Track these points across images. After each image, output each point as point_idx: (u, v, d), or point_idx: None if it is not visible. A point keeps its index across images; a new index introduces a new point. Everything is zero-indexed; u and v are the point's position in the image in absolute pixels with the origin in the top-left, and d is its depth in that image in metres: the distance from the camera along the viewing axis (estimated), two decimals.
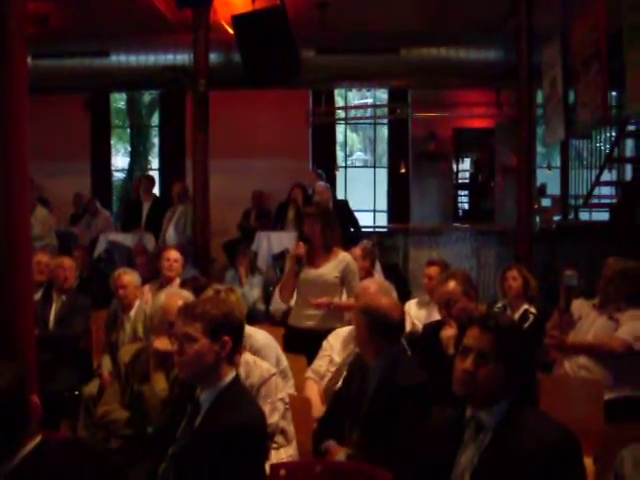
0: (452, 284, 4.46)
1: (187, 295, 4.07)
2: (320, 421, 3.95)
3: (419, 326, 5.60)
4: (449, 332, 4.18)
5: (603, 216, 11.14)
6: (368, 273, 6.68)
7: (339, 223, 5.51)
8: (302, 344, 5.08)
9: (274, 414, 3.67)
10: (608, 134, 10.97)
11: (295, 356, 4.83)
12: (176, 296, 3.98)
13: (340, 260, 5.31)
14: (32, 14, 8.71)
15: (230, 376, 2.87)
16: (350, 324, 4.91)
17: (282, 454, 3.68)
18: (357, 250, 6.99)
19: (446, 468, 2.46)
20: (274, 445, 3.71)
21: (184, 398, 3.04)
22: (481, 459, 2.39)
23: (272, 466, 3.18)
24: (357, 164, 20.23)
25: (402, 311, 3.96)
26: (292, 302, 5.66)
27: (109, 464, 2.48)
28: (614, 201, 11.22)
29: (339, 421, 3.73)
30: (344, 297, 5.38)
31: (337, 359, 4.55)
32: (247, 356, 3.83)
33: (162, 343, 3.78)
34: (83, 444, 2.53)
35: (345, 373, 4.13)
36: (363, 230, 10.39)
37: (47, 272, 6.41)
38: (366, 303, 3.86)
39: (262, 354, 4.15)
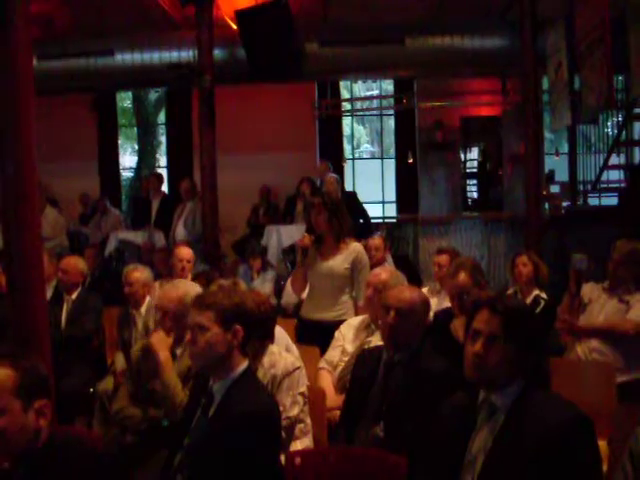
0: (462, 276, 4.48)
1: (188, 288, 4.03)
2: (340, 423, 3.85)
3: (430, 314, 5.59)
4: (461, 321, 4.18)
5: (612, 201, 11.10)
6: (379, 262, 6.70)
7: (348, 213, 5.45)
8: (313, 336, 5.07)
9: (294, 407, 3.66)
10: (615, 118, 10.93)
11: (308, 347, 4.83)
12: (172, 288, 3.99)
13: (351, 251, 5.24)
14: (36, 15, 8.73)
15: (242, 366, 2.88)
16: (359, 315, 4.92)
17: (298, 445, 3.67)
18: (377, 240, 7.02)
19: (460, 451, 2.48)
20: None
21: (197, 390, 3.06)
22: (495, 441, 2.41)
23: (288, 454, 3.20)
24: (364, 156, 20.25)
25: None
26: (304, 294, 5.66)
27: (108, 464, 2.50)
28: (623, 185, 11.18)
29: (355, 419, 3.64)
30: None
31: (349, 349, 4.54)
32: (273, 347, 3.81)
33: (156, 337, 3.82)
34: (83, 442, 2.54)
35: (350, 375, 4.00)
36: (372, 221, 10.38)
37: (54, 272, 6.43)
38: (399, 300, 3.68)
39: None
